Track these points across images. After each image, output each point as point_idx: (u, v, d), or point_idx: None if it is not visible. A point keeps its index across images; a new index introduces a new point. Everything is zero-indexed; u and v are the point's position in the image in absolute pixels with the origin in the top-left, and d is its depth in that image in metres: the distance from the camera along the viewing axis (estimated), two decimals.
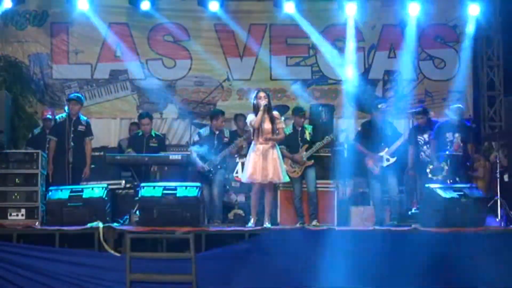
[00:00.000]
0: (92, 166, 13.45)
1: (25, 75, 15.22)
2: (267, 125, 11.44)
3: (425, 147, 12.72)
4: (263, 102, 11.40)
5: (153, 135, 13.33)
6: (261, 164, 11.34)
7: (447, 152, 12.28)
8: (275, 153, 11.46)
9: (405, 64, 15.80)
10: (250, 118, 11.51)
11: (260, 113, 11.32)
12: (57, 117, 12.56)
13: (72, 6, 14.96)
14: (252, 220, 11.53)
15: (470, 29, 15.70)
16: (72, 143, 12.00)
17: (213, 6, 14.97)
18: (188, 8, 15.57)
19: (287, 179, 11.81)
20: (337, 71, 15.63)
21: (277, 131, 11.47)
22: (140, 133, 13.21)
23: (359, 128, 13.14)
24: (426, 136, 12.71)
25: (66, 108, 13.92)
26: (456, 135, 12.54)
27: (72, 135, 12.11)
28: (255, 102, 11.53)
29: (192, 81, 15.86)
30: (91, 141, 12.62)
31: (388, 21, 15.80)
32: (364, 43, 16.01)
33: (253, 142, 11.51)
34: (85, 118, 12.61)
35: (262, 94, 11.57)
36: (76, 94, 12.99)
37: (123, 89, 15.83)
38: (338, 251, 10.55)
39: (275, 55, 15.93)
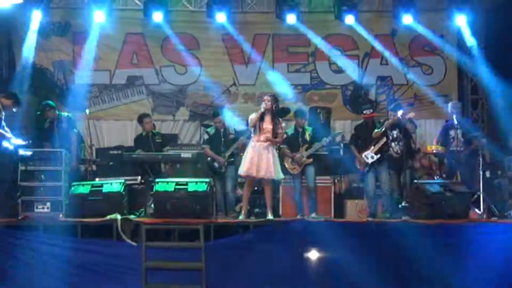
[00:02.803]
0: (111, 163, 13.55)
1: (49, 80, 15.25)
2: (268, 126, 11.51)
3: (393, 143, 12.39)
4: (262, 105, 11.52)
5: (155, 132, 13.44)
6: (256, 160, 11.39)
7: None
8: (271, 152, 11.52)
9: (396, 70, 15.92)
10: (251, 117, 11.60)
11: (257, 114, 11.46)
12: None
13: (92, 17, 14.98)
14: (243, 212, 11.55)
15: (456, 38, 15.73)
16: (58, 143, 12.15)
17: (220, 17, 14.97)
18: (198, 19, 15.58)
19: (281, 177, 11.87)
20: None
21: (276, 134, 11.58)
22: (144, 134, 13.28)
23: (353, 131, 13.16)
24: (395, 132, 12.39)
25: (87, 110, 14.02)
26: (458, 131, 12.57)
27: (58, 135, 12.27)
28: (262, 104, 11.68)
29: (201, 86, 15.84)
30: (75, 133, 12.67)
31: (381, 31, 15.79)
32: (359, 51, 16.01)
33: (251, 139, 11.57)
34: (65, 114, 12.71)
35: (266, 97, 11.70)
36: (45, 102, 12.96)
37: (139, 94, 15.82)
38: (334, 241, 10.63)
39: (277, 62, 15.92)
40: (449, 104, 13.38)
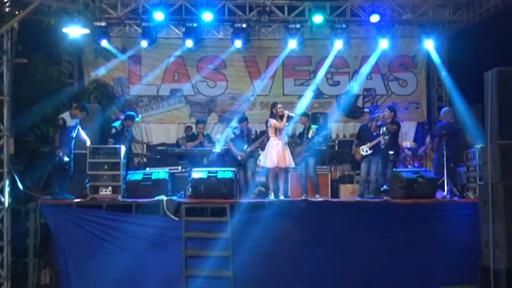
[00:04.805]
0: (158, 156, 13.55)
1: (110, 93, 15.24)
2: (284, 127, 11.48)
3: (380, 136, 12.30)
4: (286, 112, 11.50)
5: (204, 135, 13.43)
6: (281, 154, 11.38)
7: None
8: (286, 146, 11.56)
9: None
10: (273, 121, 11.46)
11: (285, 119, 11.39)
12: (115, 124, 12.69)
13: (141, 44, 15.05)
14: (272, 193, 11.53)
15: (424, 58, 15.68)
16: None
17: (237, 44, 14.93)
18: (224, 45, 15.55)
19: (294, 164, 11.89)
20: None
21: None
22: (196, 133, 13.25)
23: (358, 129, 13.19)
24: (384, 128, 12.29)
25: (140, 116, 14.01)
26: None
27: (125, 138, 12.38)
28: (274, 111, 11.54)
29: (227, 97, 15.85)
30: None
31: (367, 52, 15.69)
32: (349, 69, 15.93)
33: (271, 138, 11.49)
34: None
35: (279, 105, 11.68)
36: (130, 113, 12.99)
37: (179, 103, 15.82)
38: (330, 215, 10.60)
39: (286, 78, 15.87)
40: (444, 111, 13.05)
